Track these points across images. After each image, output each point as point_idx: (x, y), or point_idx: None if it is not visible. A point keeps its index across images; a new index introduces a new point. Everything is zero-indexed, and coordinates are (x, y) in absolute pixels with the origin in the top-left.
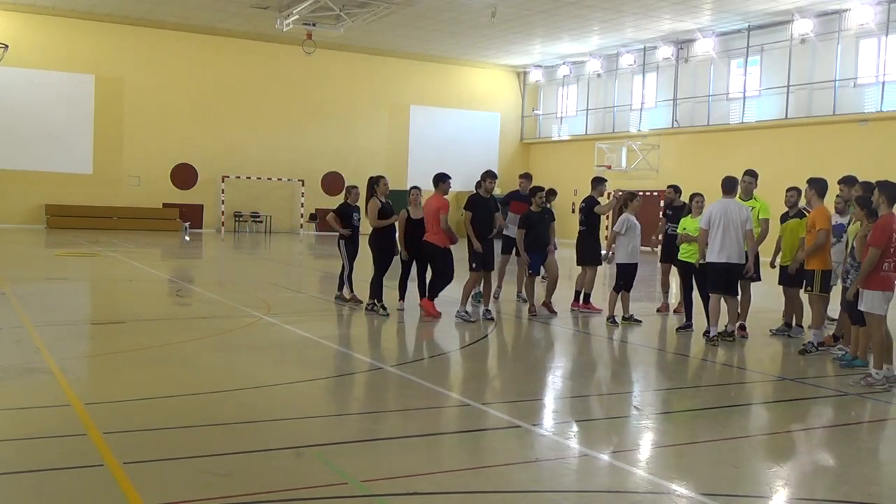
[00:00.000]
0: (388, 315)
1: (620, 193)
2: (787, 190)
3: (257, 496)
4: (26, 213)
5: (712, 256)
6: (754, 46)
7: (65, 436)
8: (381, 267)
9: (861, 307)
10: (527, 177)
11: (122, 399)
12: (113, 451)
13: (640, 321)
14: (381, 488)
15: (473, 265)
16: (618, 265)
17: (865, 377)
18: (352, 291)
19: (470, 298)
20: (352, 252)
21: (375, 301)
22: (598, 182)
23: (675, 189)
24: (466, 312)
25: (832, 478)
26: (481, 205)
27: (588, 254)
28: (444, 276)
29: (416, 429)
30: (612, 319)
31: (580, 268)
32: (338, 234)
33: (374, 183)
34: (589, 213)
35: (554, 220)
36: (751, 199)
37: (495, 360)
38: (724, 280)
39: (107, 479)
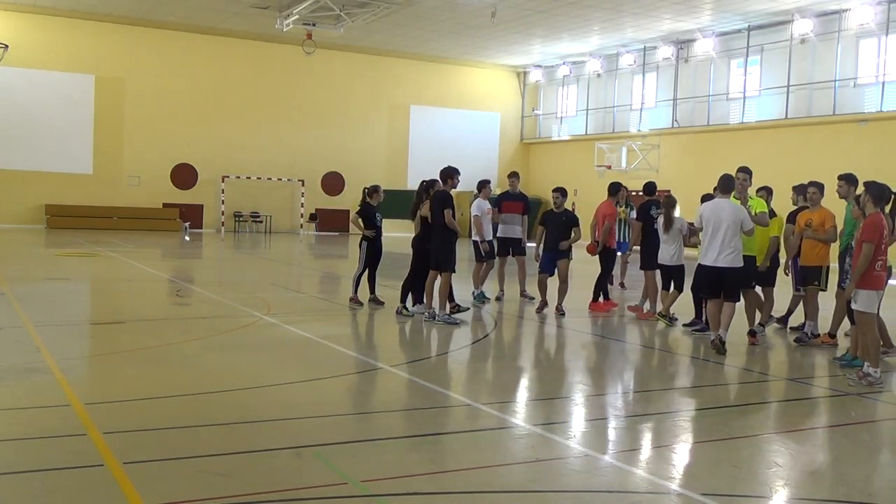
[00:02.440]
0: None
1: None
2: (757, 191)
3: (257, 496)
4: (26, 213)
5: (702, 259)
6: (754, 46)
7: (65, 436)
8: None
9: (855, 306)
10: (516, 175)
11: (122, 399)
12: (113, 451)
13: (677, 319)
14: (381, 488)
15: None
16: (671, 267)
17: (865, 377)
18: (355, 293)
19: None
20: (372, 254)
21: (405, 307)
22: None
23: (617, 186)
24: (448, 315)
25: (832, 478)
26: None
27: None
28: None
29: (416, 429)
30: (669, 318)
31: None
32: (361, 234)
33: (430, 186)
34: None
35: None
36: (746, 200)
37: (495, 360)
38: (717, 285)
39: (107, 479)
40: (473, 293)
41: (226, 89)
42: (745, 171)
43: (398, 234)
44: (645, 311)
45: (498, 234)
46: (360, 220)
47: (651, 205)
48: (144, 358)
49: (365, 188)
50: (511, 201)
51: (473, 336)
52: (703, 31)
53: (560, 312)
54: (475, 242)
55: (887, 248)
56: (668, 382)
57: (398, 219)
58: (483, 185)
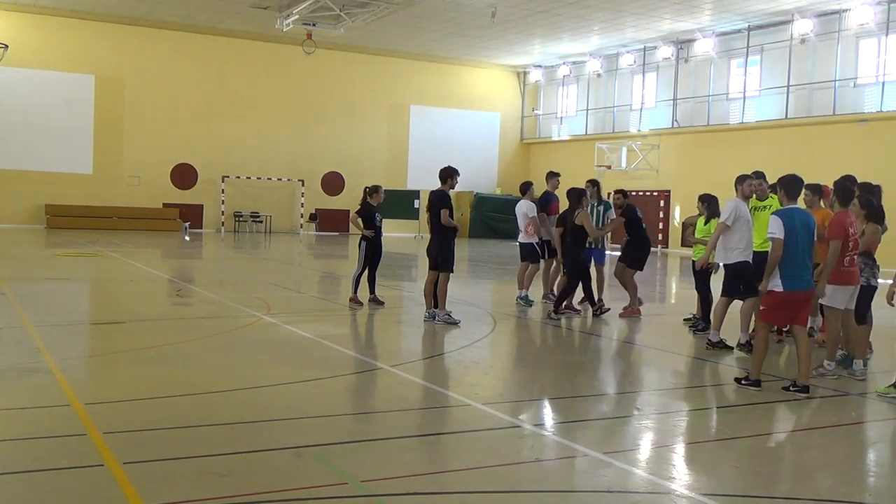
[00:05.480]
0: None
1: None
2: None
3: (257, 496)
4: (26, 213)
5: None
6: (754, 46)
7: (65, 436)
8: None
9: (822, 301)
10: (554, 175)
11: (122, 399)
12: (113, 451)
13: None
14: (381, 488)
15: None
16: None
17: (818, 367)
18: (355, 293)
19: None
20: (371, 254)
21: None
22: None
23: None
24: (448, 314)
25: (832, 478)
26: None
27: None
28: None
29: (416, 429)
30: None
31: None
32: (360, 234)
33: (583, 194)
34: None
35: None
36: (766, 198)
37: (496, 360)
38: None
39: (107, 479)
40: (545, 297)
41: (225, 89)
42: (758, 175)
43: (397, 235)
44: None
45: (544, 237)
46: (359, 219)
47: (636, 207)
48: (144, 358)
49: (366, 188)
50: (555, 202)
51: (473, 336)
52: (703, 31)
53: (575, 310)
54: (531, 244)
55: (856, 246)
56: (668, 382)
57: (397, 219)
58: (528, 186)
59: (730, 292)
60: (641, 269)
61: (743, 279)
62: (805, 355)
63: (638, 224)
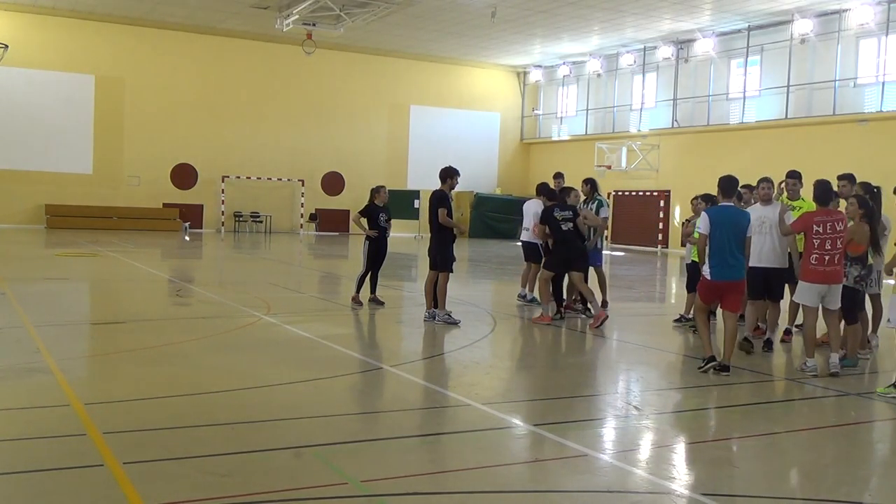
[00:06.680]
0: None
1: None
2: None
3: (257, 496)
4: (26, 213)
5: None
6: (754, 46)
7: (65, 436)
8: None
9: (795, 298)
10: (560, 176)
11: (122, 399)
12: (113, 451)
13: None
14: (381, 488)
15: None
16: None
17: (803, 363)
18: (357, 293)
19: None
20: (374, 254)
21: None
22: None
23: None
24: (448, 314)
25: (832, 478)
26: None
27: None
28: None
29: (416, 429)
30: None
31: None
32: (364, 234)
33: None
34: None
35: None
36: (797, 199)
37: (496, 360)
38: (763, 286)
39: (107, 479)
40: (526, 296)
41: (226, 89)
42: (792, 175)
43: (397, 235)
44: (541, 314)
45: (528, 239)
46: (361, 219)
47: (554, 208)
48: (144, 358)
49: (374, 187)
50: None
51: (473, 336)
52: (703, 31)
53: (575, 310)
54: (536, 245)
55: (830, 243)
56: (668, 382)
57: (397, 219)
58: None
59: (752, 294)
60: (565, 271)
61: (760, 284)
62: (730, 338)
63: (556, 227)
